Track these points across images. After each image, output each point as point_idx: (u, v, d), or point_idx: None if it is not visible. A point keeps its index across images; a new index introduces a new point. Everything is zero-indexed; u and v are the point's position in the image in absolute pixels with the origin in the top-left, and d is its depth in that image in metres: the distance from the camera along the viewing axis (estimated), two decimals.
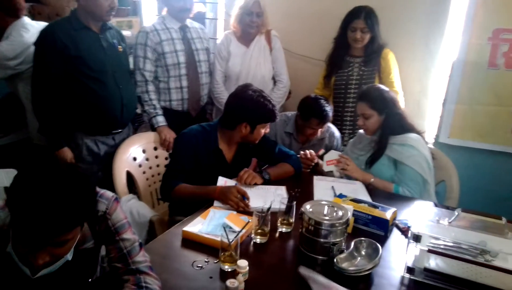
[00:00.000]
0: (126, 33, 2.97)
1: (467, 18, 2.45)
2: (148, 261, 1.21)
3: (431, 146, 2.48)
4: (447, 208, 1.78)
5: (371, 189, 1.98)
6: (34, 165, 0.94)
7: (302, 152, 2.19)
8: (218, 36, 3.36)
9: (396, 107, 2.05)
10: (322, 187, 1.96)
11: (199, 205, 1.71)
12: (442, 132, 2.65)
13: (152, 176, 2.31)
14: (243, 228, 1.38)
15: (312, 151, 2.18)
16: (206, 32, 2.70)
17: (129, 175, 2.17)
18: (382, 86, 2.13)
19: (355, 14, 2.47)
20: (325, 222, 1.36)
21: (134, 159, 2.22)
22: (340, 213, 1.40)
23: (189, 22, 2.55)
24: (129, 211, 1.92)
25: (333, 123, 2.63)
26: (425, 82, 2.72)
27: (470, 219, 1.40)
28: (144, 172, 2.26)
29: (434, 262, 1.31)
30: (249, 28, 2.57)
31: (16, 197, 0.89)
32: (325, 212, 1.40)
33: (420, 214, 1.50)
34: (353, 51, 2.59)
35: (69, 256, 1.01)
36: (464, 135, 2.58)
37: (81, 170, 0.97)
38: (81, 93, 2.09)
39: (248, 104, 1.84)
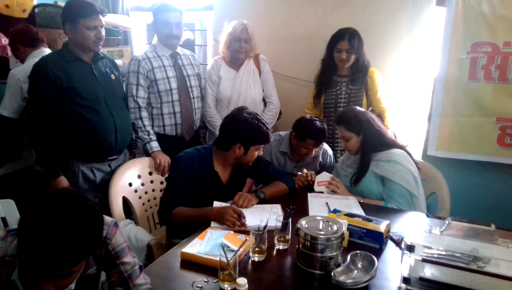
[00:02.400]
0: (117, 62, 3.04)
1: (445, 34, 2.57)
2: (149, 284, 1.23)
3: (420, 159, 2.55)
4: (439, 218, 1.82)
5: (364, 203, 2.02)
6: (44, 197, 0.96)
7: (299, 173, 2.23)
8: (208, 61, 3.45)
9: (373, 126, 2.12)
10: (316, 204, 2.00)
11: (196, 228, 1.73)
12: (430, 145, 2.72)
13: (148, 201, 2.33)
14: (241, 247, 1.41)
15: (312, 172, 2.23)
16: (196, 58, 2.77)
17: (126, 201, 2.19)
18: (357, 108, 2.21)
19: (340, 36, 2.57)
20: (321, 236, 1.39)
21: (130, 184, 2.24)
22: (335, 227, 1.44)
23: (179, 49, 2.63)
24: (126, 236, 1.93)
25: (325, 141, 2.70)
26: (411, 98, 2.82)
27: (461, 228, 1.45)
28: (140, 197, 2.28)
29: (429, 271, 1.34)
30: (238, 53, 2.65)
31: (27, 230, 0.91)
32: (321, 227, 1.44)
33: (413, 225, 1.54)
34: (340, 71, 2.68)
35: (72, 285, 1.02)
36: (451, 147, 2.66)
37: (89, 202, 0.99)
38: (75, 121, 2.12)
39: (242, 125, 1.89)
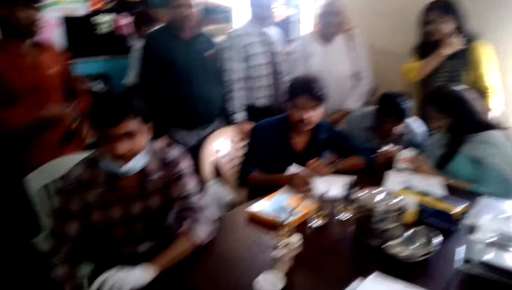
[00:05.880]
0: (218, 39, 3.29)
1: None
2: (205, 205, 1.51)
3: None
4: None
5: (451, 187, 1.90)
6: None
7: (383, 148, 2.19)
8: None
9: (467, 106, 1.96)
10: (394, 181, 1.95)
11: (275, 191, 1.84)
12: None
13: (235, 165, 2.54)
14: (296, 208, 1.50)
15: (395, 147, 2.17)
16: (281, 36, 2.88)
17: (215, 165, 2.43)
18: (451, 86, 2.05)
19: (431, 6, 2.42)
20: (377, 208, 1.40)
21: (220, 150, 2.48)
22: (393, 201, 1.43)
23: (269, 27, 2.77)
24: (212, 193, 2.18)
25: (423, 117, 2.57)
26: None
27: None
28: (228, 162, 2.51)
29: (492, 255, 1.26)
30: (329, 28, 2.67)
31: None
32: (378, 199, 1.44)
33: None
34: (439, 44, 2.49)
35: (141, 160, 1.39)
36: None
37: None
38: (172, 93, 2.41)
39: None
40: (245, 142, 2.58)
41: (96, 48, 3.55)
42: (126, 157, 1.34)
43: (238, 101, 2.66)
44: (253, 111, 2.71)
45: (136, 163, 1.38)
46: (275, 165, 2.02)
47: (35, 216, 1.76)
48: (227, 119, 2.84)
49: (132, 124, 1.33)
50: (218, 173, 2.47)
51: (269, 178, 1.93)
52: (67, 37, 3.35)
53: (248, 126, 2.59)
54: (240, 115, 2.64)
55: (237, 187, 2.51)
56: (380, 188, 1.53)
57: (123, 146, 1.32)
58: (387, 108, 2.23)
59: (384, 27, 2.98)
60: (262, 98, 2.74)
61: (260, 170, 2.02)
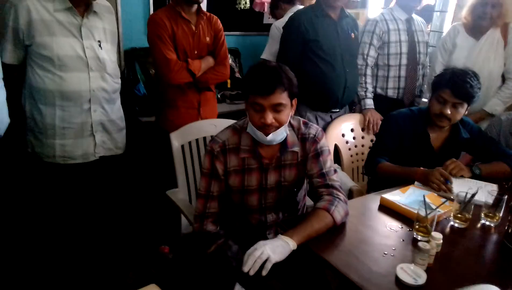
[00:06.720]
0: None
1: None
2: (340, 183, 1.50)
3: None
4: None
5: None
6: None
7: None
8: (444, 29, 3.25)
9: None
10: None
11: (398, 185, 1.77)
12: None
13: (356, 154, 2.49)
14: (440, 205, 1.41)
15: None
16: (426, 26, 2.71)
17: (336, 149, 2.41)
18: None
19: None
20: None
21: (343, 135, 2.44)
22: None
23: (413, 15, 2.63)
24: None
25: None
26: None
27: None
28: (349, 149, 2.46)
29: None
30: (481, 20, 2.42)
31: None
32: None
33: None
34: None
35: (283, 132, 1.44)
36: None
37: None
38: (312, 72, 2.38)
39: None
40: (370, 131, 2.53)
41: (233, 23, 3.60)
42: (272, 128, 1.39)
43: (368, 87, 2.59)
44: (381, 101, 2.62)
45: (279, 135, 1.43)
46: (408, 158, 1.92)
47: (173, 170, 1.93)
48: (353, 104, 2.79)
49: (282, 97, 1.37)
50: (337, 158, 2.45)
51: (401, 170, 1.84)
52: (209, 9, 3.38)
53: (377, 115, 2.52)
54: (368, 102, 2.57)
55: (357, 175, 2.49)
56: None
57: (271, 116, 1.36)
58: None
59: None
60: (394, 89, 2.63)
61: (388, 160, 1.94)
